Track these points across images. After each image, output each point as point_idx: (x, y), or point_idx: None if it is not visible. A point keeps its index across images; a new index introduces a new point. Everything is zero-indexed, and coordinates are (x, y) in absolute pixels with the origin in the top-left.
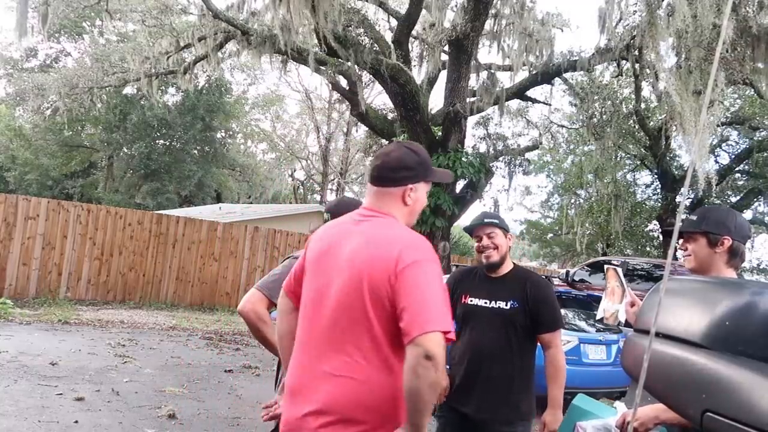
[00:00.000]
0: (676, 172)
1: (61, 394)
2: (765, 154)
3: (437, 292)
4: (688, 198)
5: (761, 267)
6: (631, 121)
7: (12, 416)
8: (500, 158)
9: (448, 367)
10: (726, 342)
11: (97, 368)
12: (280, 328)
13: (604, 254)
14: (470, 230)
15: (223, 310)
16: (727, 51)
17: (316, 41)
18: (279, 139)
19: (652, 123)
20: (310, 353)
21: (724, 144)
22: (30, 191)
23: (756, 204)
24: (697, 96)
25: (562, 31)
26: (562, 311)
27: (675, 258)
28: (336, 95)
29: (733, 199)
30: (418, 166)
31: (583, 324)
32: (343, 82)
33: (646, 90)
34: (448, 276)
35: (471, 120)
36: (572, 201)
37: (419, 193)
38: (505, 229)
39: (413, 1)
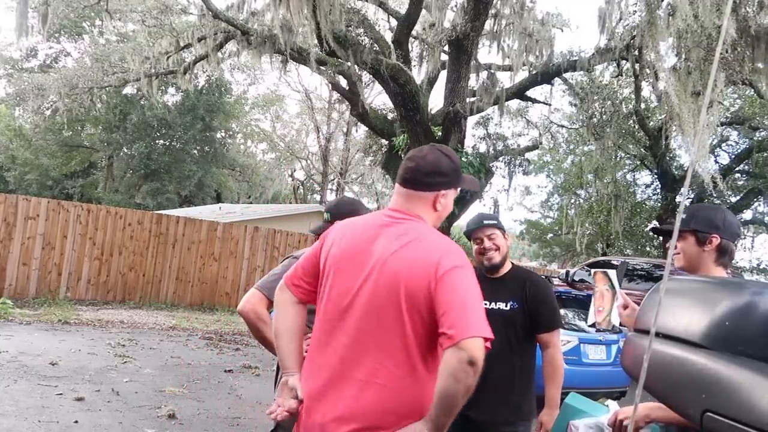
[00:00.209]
0: (676, 172)
1: (61, 394)
2: (765, 154)
3: (477, 298)
4: (688, 198)
5: (761, 267)
6: (631, 121)
7: (12, 416)
8: (500, 158)
9: None
10: (726, 342)
11: (97, 368)
12: (279, 322)
13: (604, 254)
14: (469, 233)
15: (223, 310)
16: (726, 51)
17: (316, 41)
18: (279, 139)
19: (652, 123)
20: (333, 356)
21: (724, 144)
22: (30, 191)
23: (756, 204)
24: (695, 97)
25: (562, 31)
26: (562, 311)
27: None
28: (336, 95)
29: (733, 199)
30: (452, 173)
31: (583, 324)
32: (343, 82)
33: (646, 90)
34: None
35: (471, 120)
36: (572, 201)
37: (448, 200)
38: (504, 230)
39: (413, 1)
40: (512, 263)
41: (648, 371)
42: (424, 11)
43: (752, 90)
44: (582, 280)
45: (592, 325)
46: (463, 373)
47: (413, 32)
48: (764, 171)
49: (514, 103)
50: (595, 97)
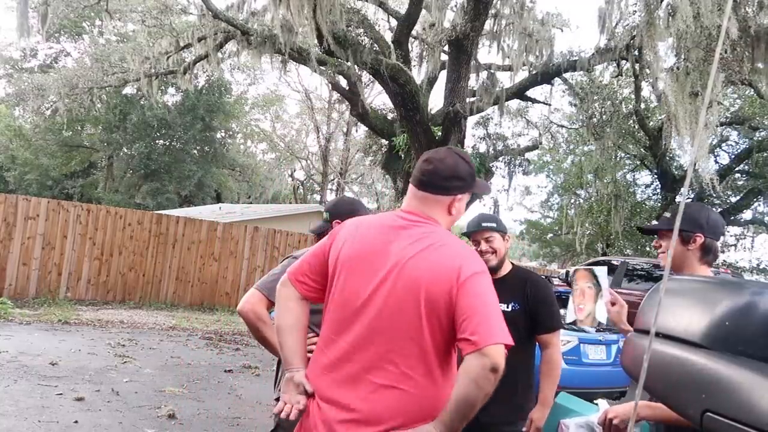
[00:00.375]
0: (676, 172)
1: (61, 394)
2: (765, 154)
3: (497, 305)
4: (688, 198)
5: (761, 267)
6: (631, 121)
7: (12, 416)
8: (500, 158)
9: None
10: (726, 342)
11: (97, 368)
12: (283, 318)
13: (604, 254)
14: (467, 235)
15: (223, 310)
16: (726, 52)
17: (316, 41)
18: (279, 139)
19: (652, 123)
20: (345, 357)
21: (724, 144)
22: (30, 191)
23: (756, 204)
24: (694, 97)
25: (562, 31)
26: (562, 311)
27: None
28: (336, 95)
29: (733, 199)
30: (469, 177)
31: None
32: (343, 82)
33: (646, 90)
34: None
35: (471, 120)
36: (572, 201)
37: (463, 204)
38: (503, 232)
39: (413, 1)
40: (512, 263)
41: (648, 371)
42: (424, 11)
43: (752, 90)
44: None
45: (573, 323)
46: (484, 379)
47: (413, 32)
48: (764, 171)
49: (514, 103)
50: (595, 97)
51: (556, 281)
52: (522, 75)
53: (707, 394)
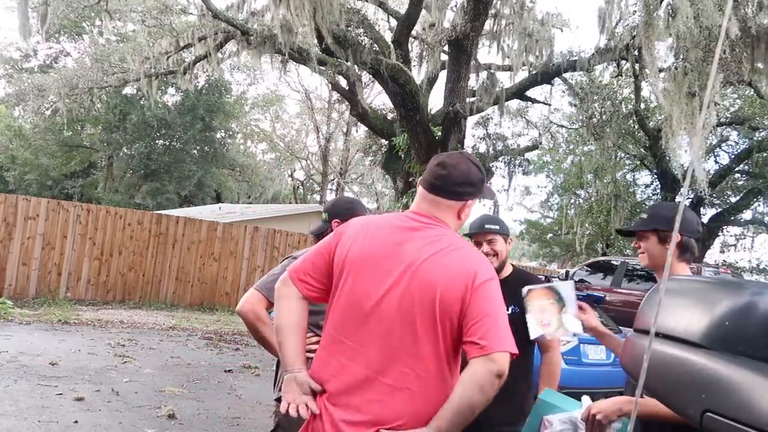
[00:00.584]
0: (676, 172)
1: (61, 394)
2: (765, 154)
3: (505, 312)
4: (688, 198)
5: (761, 267)
6: (631, 121)
7: (12, 416)
8: (500, 158)
9: None
10: (726, 342)
11: (96, 368)
12: (283, 317)
13: (604, 254)
14: (470, 235)
15: (223, 310)
16: (725, 52)
17: (316, 41)
18: (279, 139)
19: (651, 123)
20: (355, 359)
21: (724, 144)
22: (30, 191)
23: (756, 204)
24: (690, 97)
25: (562, 31)
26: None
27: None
28: (336, 95)
29: (733, 199)
30: (480, 183)
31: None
32: (343, 82)
33: (646, 90)
34: None
35: (471, 120)
36: (572, 201)
37: (471, 209)
38: (506, 234)
39: (413, 1)
40: (512, 265)
41: (648, 371)
42: (423, 11)
43: (752, 90)
44: (582, 280)
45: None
46: (489, 384)
47: (413, 32)
48: (764, 171)
49: (514, 103)
50: (595, 97)
51: (555, 281)
52: (522, 75)
53: (707, 394)
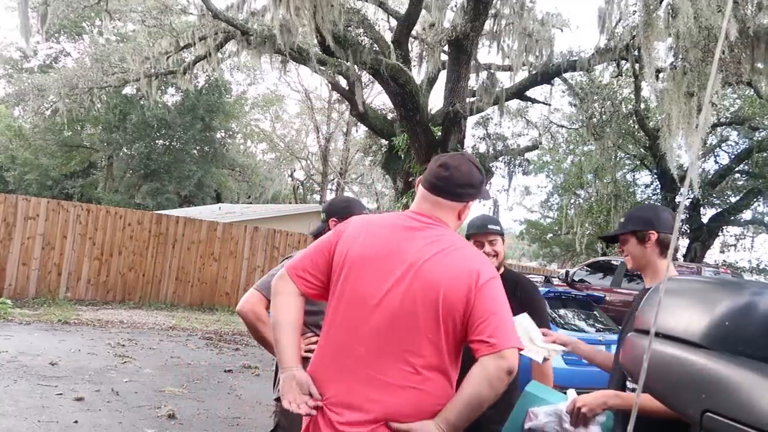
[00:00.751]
0: (674, 173)
1: (60, 394)
2: (765, 154)
3: (509, 310)
4: (688, 198)
5: (761, 267)
6: (631, 121)
7: (12, 416)
8: (500, 158)
9: None
10: (726, 342)
11: (96, 368)
12: (281, 313)
13: (604, 254)
14: (471, 235)
15: (223, 310)
16: (723, 53)
17: (316, 41)
18: (279, 139)
19: (651, 123)
20: (357, 358)
21: (723, 144)
22: (30, 191)
23: (756, 204)
24: (689, 97)
25: (562, 31)
26: (562, 311)
27: (675, 258)
28: (336, 95)
29: (733, 199)
30: (480, 185)
31: (582, 324)
32: (343, 82)
33: (646, 90)
34: None
35: (471, 120)
36: (572, 201)
37: (470, 210)
38: (503, 234)
39: (413, 1)
40: (504, 266)
41: (648, 371)
42: (423, 11)
43: (752, 90)
44: (582, 280)
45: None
46: (499, 381)
47: (413, 32)
48: (764, 171)
49: (514, 103)
50: (595, 97)
51: (555, 281)
52: (522, 75)
53: (707, 394)
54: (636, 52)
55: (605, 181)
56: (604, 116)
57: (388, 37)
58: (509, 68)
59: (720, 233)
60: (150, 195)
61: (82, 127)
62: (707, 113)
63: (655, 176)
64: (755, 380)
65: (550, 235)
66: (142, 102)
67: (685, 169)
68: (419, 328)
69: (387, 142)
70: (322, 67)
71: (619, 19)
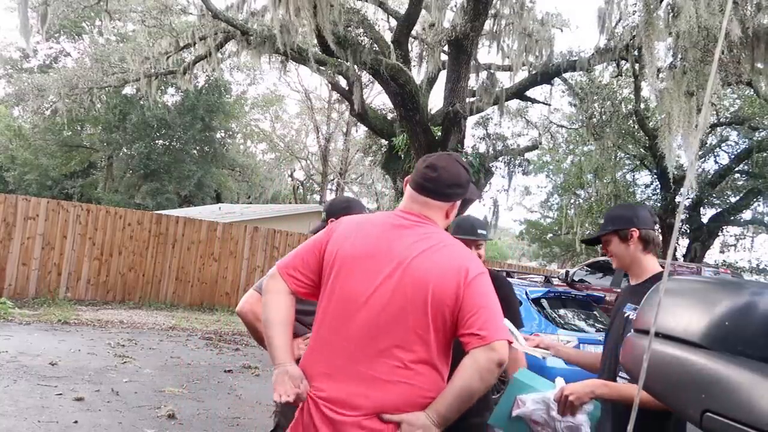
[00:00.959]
0: (675, 172)
1: (60, 394)
2: (764, 154)
3: (498, 304)
4: (688, 198)
5: (761, 267)
6: (631, 121)
7: (12, 416)
8: (500, 158)
9: None
10: (725, 342)
11: (96, 368)
12: (272, 312)
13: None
14: (460, 238)
15: (223, 310)
16: (723, 53)
17: (316, 41)
18: (278, 139)
19: (651, 123)
20: (347, 355)
21: (723, 144)
22: (29, 191)
23: (756, 204)
24: (689, 96)
25: (562, 31)
26: (562, 311)
27: (675, 258)
28: (336, 95)
29: (733, 199)
30: (467, 185)
31: (582, 324)
32: (343, 82)
33: (646, 90)
34: None
35: (470, 120)
36: (572, 201)
37: (457, 208)
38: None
39: (413, 1)
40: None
41: (648, 371)
42: (423, 11)
43: (752, 90)
44: (582, 280)
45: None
46: (489, 373)
47: (413, 32)
48: (764, 171)
49: (514, 103)
50: (595, 97)
51: (555, 281)
52: (522, 75)
53: (707, 394)
54: (636, 52)
55: (605, 181)
56: (604, 116)
57: (388, 37)
58: (509, 68)
59: (720, 233)
60: (150, 195)
61: (82, 127)
62: (707, 113)
63: (655, 176)
64: (755, 380)
65: (550, 235)
66: (142, 102)
67: (685, 169)
68: (408, 324)
69: (387, 142)
70: (322, 67)
71: (619, 19)
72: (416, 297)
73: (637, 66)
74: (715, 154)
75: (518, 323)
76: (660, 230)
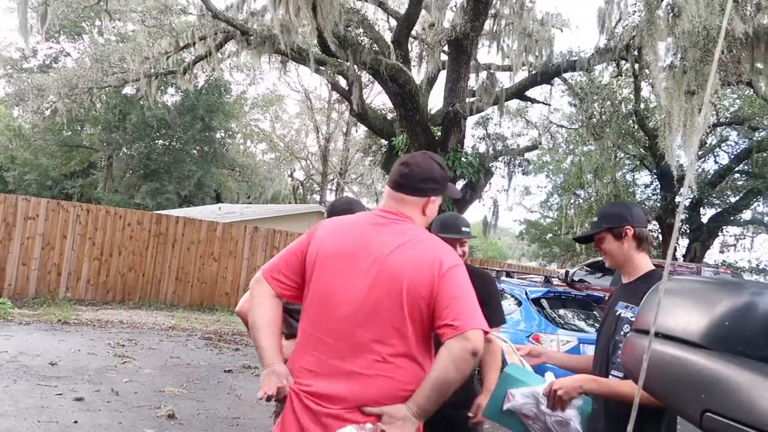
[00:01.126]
0: (677, 172)
1: (60, 394)
2: (764, 154)
3: (474, 295)
4: (688, 198)
5: (761, 267)
6: (631, 121)
7: (11, 416)
8: (500, 158)
9: None
10: (725, 342)
11: (96, 368)
12: (258, 315)
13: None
14: (445, 237)
15: (223, 310)
16: (722, 53)
17: (315, 41)
18: (278, 139)
19: (651, 123)
20: (328, 351)
21: (723, 144)
22: (29, 191)
23: (756, 204)
24: (689, 96)
25: (562, 31)
26: (562, 311)
27: (675, 258)
28: (335, 95)
29: (733, 199)
30: (443, 181)
31: (582, 324)
32: (343, 82)
33: (646, 90)
34: None
35: (470, 120)
36: (572, 201)
37: (435, 206)
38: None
39: (413, 1)
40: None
41: (648, 371)
42: (423, 11)
43: (752, 90)
44: (582, 280)
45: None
46: (464, 362)
47: (413, 32)
48: (764, 171)
49: (514, 103)
50: (595, 97)
51: (555, 281)
52: (522, 75)
53: (707, 394)
54: (636, 52)
55: (605, 181)
56: (603, 116)
57: (388, 37)
58: (509, 68)
59: (720, 233)
60: (150, 195)
61: (82, 127)
62: (706, 113)
63: (655, 176)
64: (755, 380)
65: (550, 235)
66: (141, 102)
67: (685, 168)
68: (385, 318)
69: (387, 142)
70: (322, 67)
71: (619, 19)
72: (392, 291)
73: (636, 66)
74: (715, 154)
75: (499, 318)
76: (660, 230)
